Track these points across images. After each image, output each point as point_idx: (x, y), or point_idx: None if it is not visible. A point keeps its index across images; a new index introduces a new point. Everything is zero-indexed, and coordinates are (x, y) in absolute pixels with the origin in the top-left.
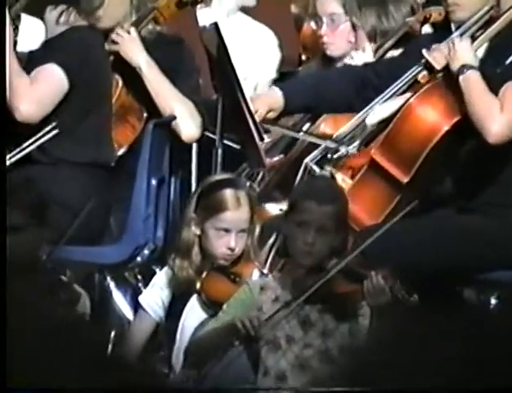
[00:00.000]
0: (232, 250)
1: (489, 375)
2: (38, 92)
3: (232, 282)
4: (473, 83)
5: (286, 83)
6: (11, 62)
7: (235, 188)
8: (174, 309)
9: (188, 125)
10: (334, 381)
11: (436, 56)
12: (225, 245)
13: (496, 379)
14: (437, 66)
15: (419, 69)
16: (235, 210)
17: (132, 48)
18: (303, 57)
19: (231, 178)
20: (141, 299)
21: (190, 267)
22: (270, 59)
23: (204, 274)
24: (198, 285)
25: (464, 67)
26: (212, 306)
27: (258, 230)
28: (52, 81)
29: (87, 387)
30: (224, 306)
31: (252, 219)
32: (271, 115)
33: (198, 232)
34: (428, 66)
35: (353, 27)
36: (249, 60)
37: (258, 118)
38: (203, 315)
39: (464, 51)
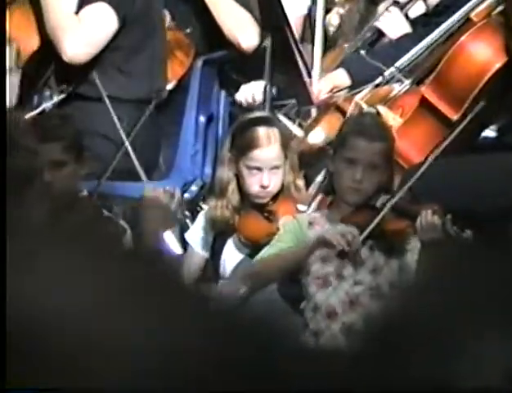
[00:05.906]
0: (265, 187)
1: None
2: (86, 33)
3: (266, 219)
4: None
5: (351, 64)
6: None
7: (267, 125)
8: (216, 247)
9: (249, 33)
10: (382, 318)
11: None
12: (258, 183)
13: None
14: None
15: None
16: (266, 147)
17: None
18: None
19: (263, 116)
20: (186, 236)
21: (226, 207)
22: None
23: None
24: (236, 224)
25: None
26: (247, 245)
27: (297, 167)
28: (101, 20)
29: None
30: (276, 237)
31: (285, 156)
32: (335, 89)
33: (232, 171)
34: None
35: None
36: None
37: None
38: (240, 255)
39: None
